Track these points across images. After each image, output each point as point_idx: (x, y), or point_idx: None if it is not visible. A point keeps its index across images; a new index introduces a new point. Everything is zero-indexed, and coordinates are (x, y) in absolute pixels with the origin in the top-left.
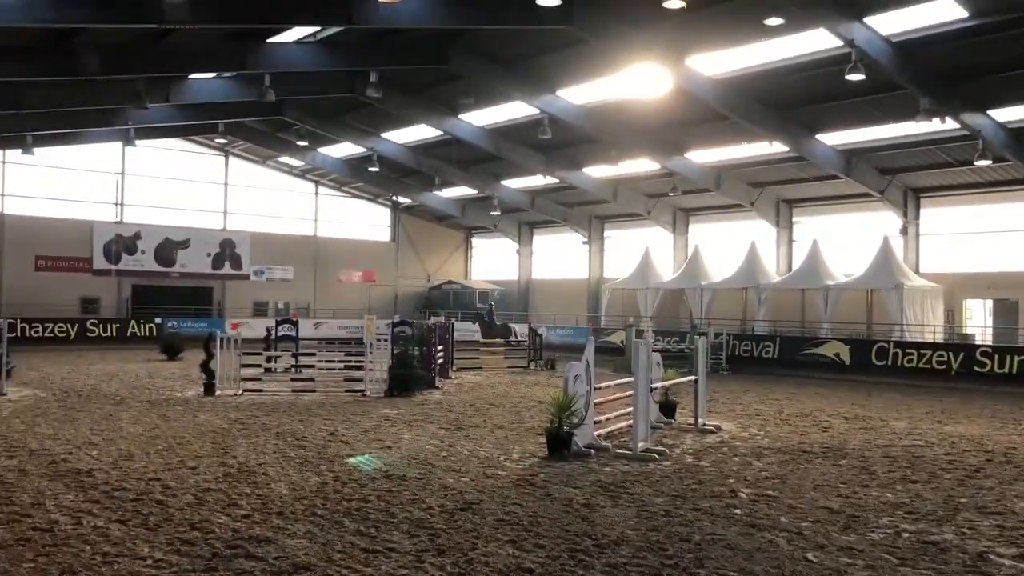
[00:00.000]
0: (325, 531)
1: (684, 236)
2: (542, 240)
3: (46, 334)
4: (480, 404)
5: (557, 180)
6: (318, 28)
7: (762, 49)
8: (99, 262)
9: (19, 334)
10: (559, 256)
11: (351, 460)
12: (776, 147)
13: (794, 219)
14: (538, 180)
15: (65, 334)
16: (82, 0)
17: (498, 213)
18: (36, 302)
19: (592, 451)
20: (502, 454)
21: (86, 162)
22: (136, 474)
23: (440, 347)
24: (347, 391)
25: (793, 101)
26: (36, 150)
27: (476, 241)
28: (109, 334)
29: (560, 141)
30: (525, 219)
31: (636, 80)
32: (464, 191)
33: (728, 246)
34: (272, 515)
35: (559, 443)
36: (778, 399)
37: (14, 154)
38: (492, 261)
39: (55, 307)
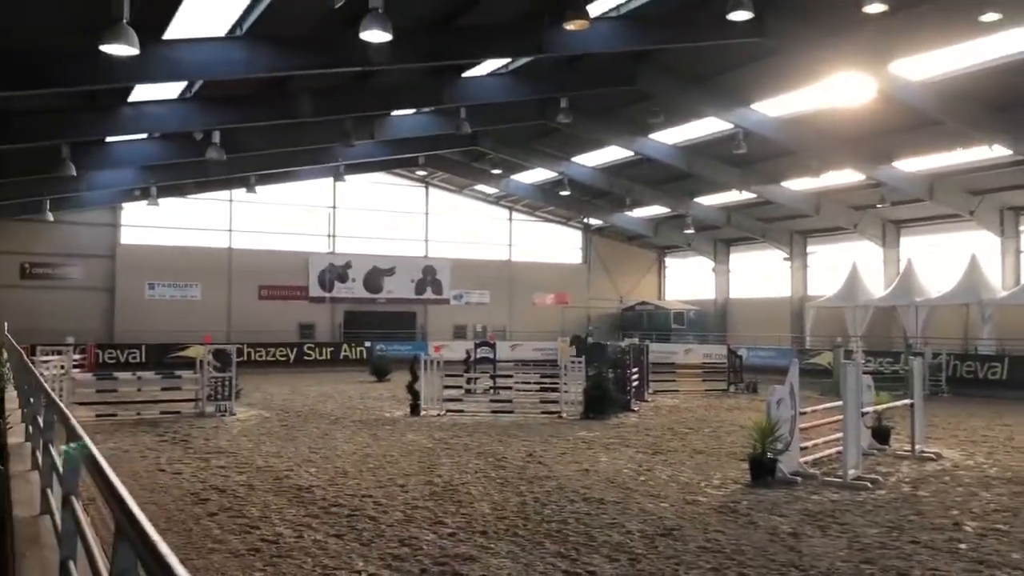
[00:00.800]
0: (527, 552)
1: (895, 250)
2: (739, 257)
3: (268, 358)
4: (678, 428)
5: (754, 195)
6: (509, 59)
7: (977, 47)
8: (314, 290)
9: (246, 358)
10: (758, 273)
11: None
12: (997, 151)
13: (1021, 228)
14: (733, 196)
15: (285, 357)
16: (297, 50)
17: (692, 231)
18: (259, 328)
19: (798, 478)
20: (702, 480)
21: (301, 198)
22: (350, 491)
23: (635, 369)
24: (543, 412)
25: (1015, 101)
26: (258, 189)
27: (669, 260)
28: (324, 357)
29: (756, 155)
30: (720, 236)
31: (836, 89)
32: (656, 210)
33: (945, 259)
34: (476, 534)
35: (762, 469)
36: (1008, 424)
37: (239, 193)
38: (686, 280)
39: (276, 332)
